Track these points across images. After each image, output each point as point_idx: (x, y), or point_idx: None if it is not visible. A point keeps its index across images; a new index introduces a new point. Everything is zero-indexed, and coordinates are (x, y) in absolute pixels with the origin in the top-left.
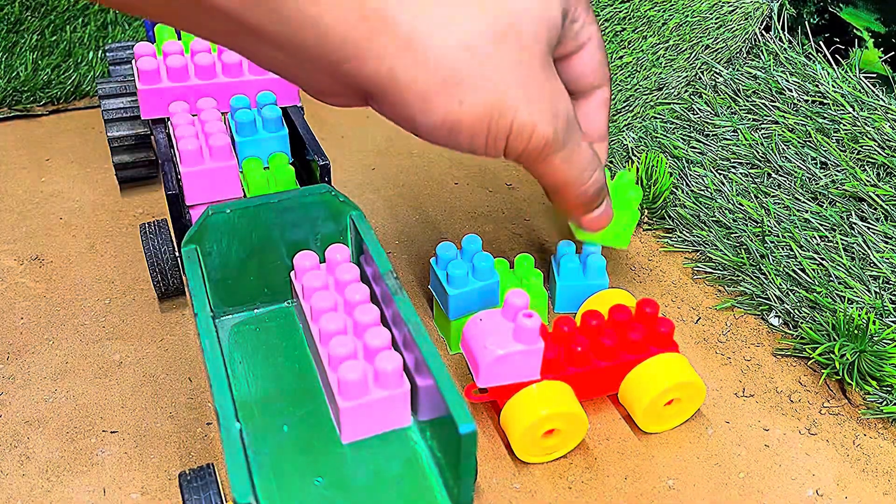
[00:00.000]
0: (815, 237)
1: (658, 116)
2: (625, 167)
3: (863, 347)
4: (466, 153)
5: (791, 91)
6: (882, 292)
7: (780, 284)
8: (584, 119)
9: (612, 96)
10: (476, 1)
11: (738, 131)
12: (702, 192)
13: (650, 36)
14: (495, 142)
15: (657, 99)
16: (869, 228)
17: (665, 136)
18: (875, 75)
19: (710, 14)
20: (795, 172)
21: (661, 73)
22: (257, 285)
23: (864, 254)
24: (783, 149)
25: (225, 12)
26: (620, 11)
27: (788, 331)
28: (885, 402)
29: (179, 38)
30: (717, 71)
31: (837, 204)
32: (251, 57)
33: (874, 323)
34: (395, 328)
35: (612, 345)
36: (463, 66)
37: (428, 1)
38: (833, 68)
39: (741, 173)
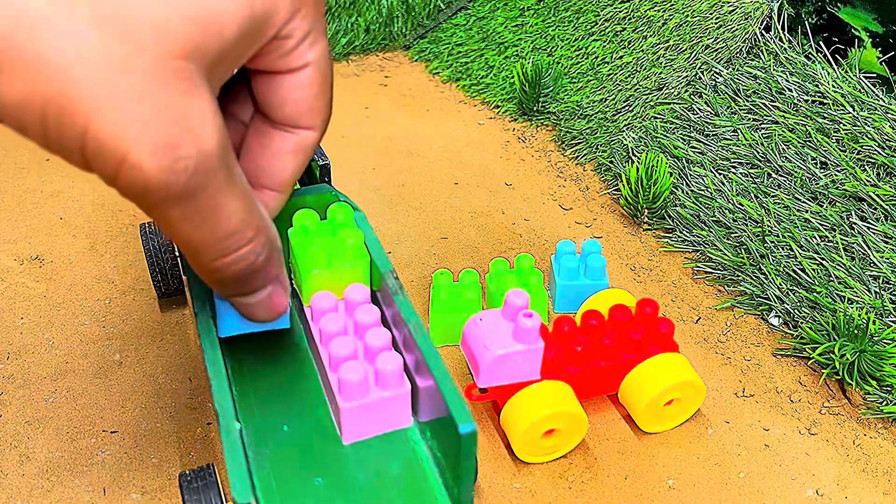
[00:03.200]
0: (815, 237)
1: (658, 116)
2: (625, 167)
3: (863, 347)
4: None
5: (791, 91)
6: (882, 292)
7: (780, 284)
8: (267, 159)
9: (612, 96)
10: None
11: (738, 131)
12: (702, 192)
13: (650, 36)
14: (60, 143)
15: (657, 99)
16: (869, 228)
17: (665, 136)
18: (875, 75)
19: (710, 14)
20: (795, 172)
21: (661, 73)
22: None
23: (864, 254)
24: (783, 149)
25: None
26: (620, 11)
27: (788, 331)
28: (885, 402)
29: None
30: (717, 71)
31: (837, 204)
32: None
33: (874, 323)
34: (395, 328)
35: (612, 345)
36: (18, 29)
37: None
38: (833, 68)
39: (741, 173)
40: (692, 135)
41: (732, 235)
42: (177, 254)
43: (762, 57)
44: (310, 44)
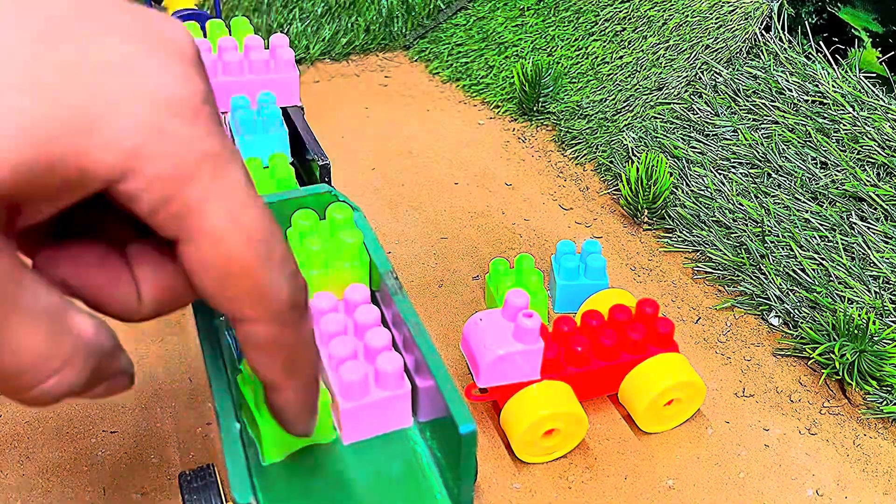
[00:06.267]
0: (815, 237)
1: (658, 116)
2: (625, 167)
3: (863, 347)
4: None
5: (791, 91)
6: (882, 292)
7: (780, 284)
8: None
9: (612, 96)
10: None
11: (738, 131)
12: (702, 192)
13: (650, 36)
14: None
15: (657, 99)
16: (869, 228)
17: (665, 136)
18: (875, 75)
19: (710, 14)
20: (795, 172)
21: (661, 73)
22: None
23: (864, 254)
24: (783, 149)
25: None
26: (620, 11)
27: (788, 331)
28: (885, 402)
29: None
30: (717, 71)
31: (837, 204)
32: None
33: (874, 323)
34: (394, 328)
35: (612, 345)
36: None
37: None
38: (833, 68)
39: (741, 173)
40: (692, 135)
41: (732, 235)
42: None
43: (762, 57)
44: (175, 216)
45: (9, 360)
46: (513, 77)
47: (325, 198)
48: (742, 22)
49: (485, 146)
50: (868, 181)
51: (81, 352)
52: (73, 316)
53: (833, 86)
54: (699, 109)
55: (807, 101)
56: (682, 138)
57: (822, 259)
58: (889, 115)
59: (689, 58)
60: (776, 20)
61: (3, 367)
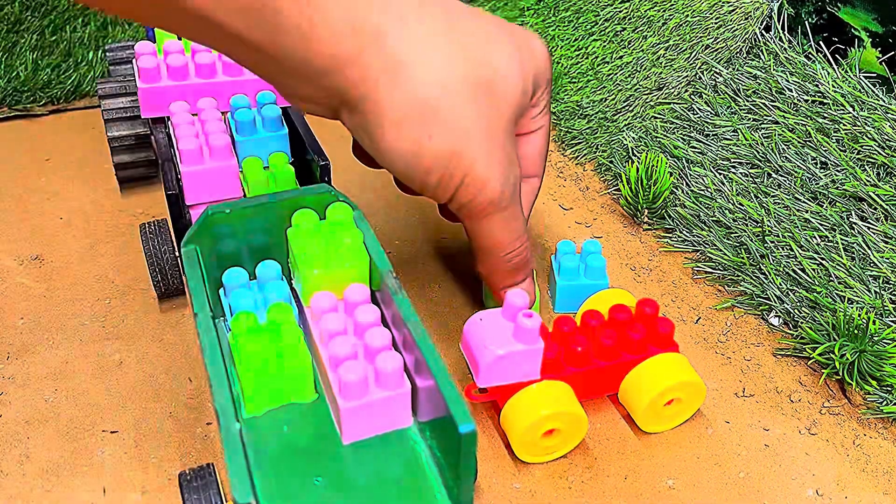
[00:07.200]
0: (815, 237)
1: (658, 116)
2: (625, 167)
3: (863, 347)
4: (412, 187)
5: (791, 91)
6: (882, 292)
7: (780, 284)
8: None
9: (612, 96)
10: (462, 48)
11: (738, 131)
12: (702, 192)
13: (650, 36)
14: (448, 184)
15: (657, 99)
16: (869, 228)
17: (665, 136)
18: (875, 75)
19: (710, 14)
20: (795, 172)
21: (661, 73)
22: None
23: (864, 254)
24: (783, 149)
25: (210, 18)
26: (620, 11)
27: (788, 331)
28: (885, 402)
29: (180, 38)
30: (717, 71)
31: (837, 204)
32: (229, 55)
33: (874, 323)
34: (394, 328)
35: (612, 345)
36: (440, 103)
37: (419, 32)
38: (833, 68)
39: (741, 173)
40: (692, 135)
41: (732, 235)
42: (177, 255)
43: (762, 57)
44: (544, 112)
45: (516, 227)
46: None
47: (325, 198)
48: (742, 22)
49: None
50: (868, 181)
51: (529, 237)
52: None
53: (833, 86)
54: (699, 109)
55: (807, 101)
56: (682, 138)
57: (822, 259)
58: (889, 115)
59: (689, 58)
60: (776, 20)
61: (513, 231)
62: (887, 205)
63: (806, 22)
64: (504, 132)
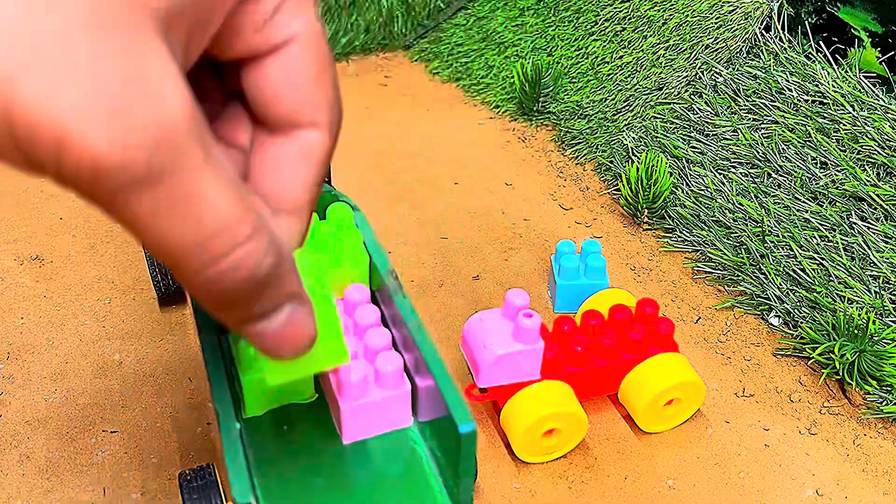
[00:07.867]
0: (815, 237)
1: (658, 116)
2: (625, 167)
3: (863, 347)
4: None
5: (791, 91)
6: (882, 292)
7: (780, 284)
8: (272, 175)
9: (612, 96)
10: None
11: (738, 131)
12: (702, 192)
13: (650, 36)
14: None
15: (657, 99)
16: (869, 228)
17: (665, 136)
18: (875, 75)
19: (710, 14)
20: (795, 172)
21: (661, 73)
22: None
23: (864, 254)
24: (783, 149)
25: None
26: (620, 11)
27: (788, 331)
28: (885, 402)
29: None
30: (717, 71)
31: (837, 204)
32: None
33: (874, 323)
34: (394, 328)
35: (612, 345)
36: None
37: None
38: (833, 68)
39: (741, 173)
40: (692, 135)
41: (732, 235)
42: None
43: (762, 57)
44: (290, 13)
45: (207, 217)
46: (513, 77)
47: (325, 198)
48: (742, 22)
49: (485, 146)
50: (868, 181)
51: (265, 230)
52: (251, 194)
53: (833, 86)
54: (699, 109)
55: (807, 101)
56: (682, 138)
57: (822, 259)
58: (889, 115)
59: (689, 58)
60: (776, 20)
61: (199, 225)
62: (887, 205)
63: (806, 22)
64: (114, 25)
